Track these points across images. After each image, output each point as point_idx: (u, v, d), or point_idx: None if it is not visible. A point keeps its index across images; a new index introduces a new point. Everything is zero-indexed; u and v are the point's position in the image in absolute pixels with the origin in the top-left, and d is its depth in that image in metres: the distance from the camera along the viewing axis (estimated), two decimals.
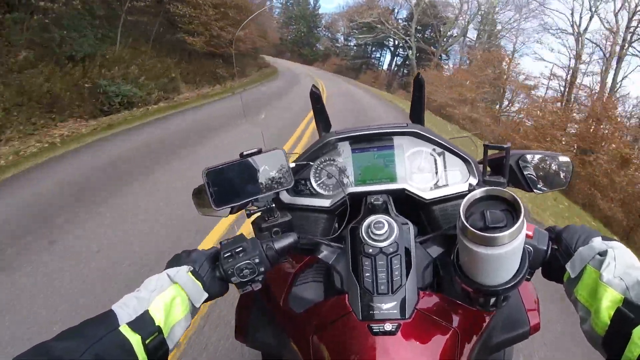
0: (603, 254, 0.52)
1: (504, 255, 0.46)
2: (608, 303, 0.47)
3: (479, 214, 0.48)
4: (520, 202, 0.47)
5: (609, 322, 0.46)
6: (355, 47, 38.78)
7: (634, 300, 0.45)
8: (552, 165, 0.93)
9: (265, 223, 0.67)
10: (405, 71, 33.16)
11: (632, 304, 0.45)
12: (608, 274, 0.49)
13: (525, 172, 0.85)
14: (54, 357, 0.43)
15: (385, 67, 37.58)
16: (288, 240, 0.65)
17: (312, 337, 0.62)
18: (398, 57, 35.74)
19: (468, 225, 0.46)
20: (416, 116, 0.88)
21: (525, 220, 0.47)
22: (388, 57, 37.75)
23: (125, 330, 0.49)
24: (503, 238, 0.45)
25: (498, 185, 0.67)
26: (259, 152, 0.68)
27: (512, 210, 0.48)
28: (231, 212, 0.86)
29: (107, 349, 0.46)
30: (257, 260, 0.61)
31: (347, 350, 0.58)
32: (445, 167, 0.83)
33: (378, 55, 38.68)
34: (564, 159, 0.91)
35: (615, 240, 0.56)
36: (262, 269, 0.62)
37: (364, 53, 38.05)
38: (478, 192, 0.49)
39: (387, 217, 0.67)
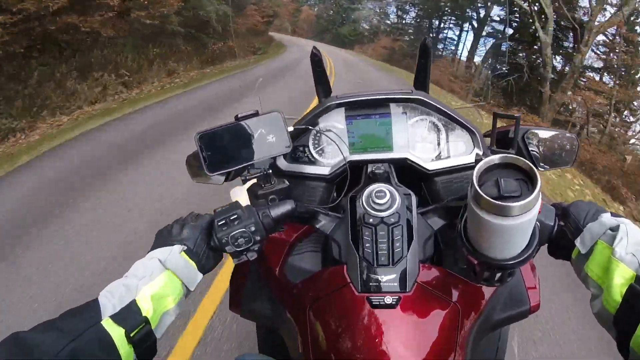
0: (615, 229, 0.51)
1: (517, 227, 0.44)
2: (621, 280, 0.46)
3: (492, 182, 0.45)
4: (537, 172, 0.44)
5: (620, 300, 0.45)
6: (414, 23, 25.62)
7: None
8: (558, 143, 0.91)
9: (261, 190, 0.64)
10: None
11: None
12: (621, 249, 0.47)
13: (530, 148, 0.82)
14: (30, 351, 0.40)
15: (463, 54, 21.23)
16: (285, 207, 0.62)
17: (308, 309, 0.60)
18: (488, 39, 18.43)
19: (482, 193, 0.43)
20: (421, 83, 0.84)
21: (540, 192, 0.44)
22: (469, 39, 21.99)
23: (107, 324, 0.46)
24: (518, 208, 0.42)
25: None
26: (256, 114, 0.64)
27: (528, 181, 0.45)
28: (226, 180, 0.83)
29: (86, 345, 0.43)
30: (252, 229, 0.58)
31: (345, 322, 0.56)
32: (449, 137, 0.80)
33: (451, 35, 22.27)
34: (570, 136, 0.89)
35: (623, 216, 0.54)
36: (258, 238, 0.59)
37: (428, 31, 23.37)
38: (494, 158, 0.46)
39: (389, 187, 0.64)
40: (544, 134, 0.86)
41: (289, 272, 0.71)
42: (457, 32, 22.21)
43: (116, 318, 0.47)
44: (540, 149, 0.86)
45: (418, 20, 25.59)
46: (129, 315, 0.48)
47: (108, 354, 0.45)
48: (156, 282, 0.52)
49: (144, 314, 0.50)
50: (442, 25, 22.81)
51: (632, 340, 0.43)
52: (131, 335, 0.48)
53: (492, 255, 0.49)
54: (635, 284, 0.45)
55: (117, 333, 0.46)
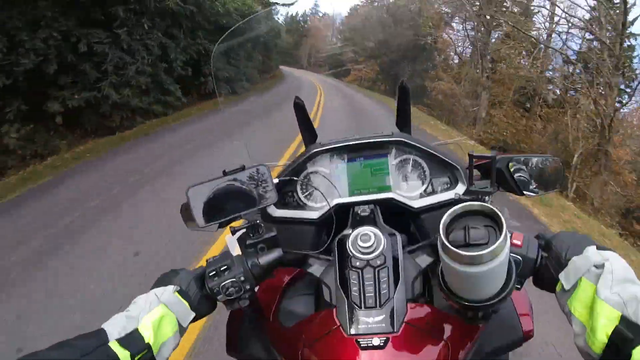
0: (599, 266, 0.50)
1: (488, 272, 0.45)
2: (605, 321, 0.45)
3: (460, 230, 0.47)
4: (501, 216, 0.45)
5: (606, 341, 0.44)
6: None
7: (632, 319, 0.43)
8: (543, 167, 0.92)
9: (250, 239, 0.67)
10: None
11: (630, 323, 0.43)
12: (605, 289, 0.46)
13: (515, 175, 0.84)
14: None
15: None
16: (273, 255, 0.65)
17: (300, 353, 0.61)
18: None
19: (448, 245, 0.45)
20: (402, 123, 0.88)
21: (508, 235, 0.45)
22: None
23: (114, 345, 0.50)
24: (485, 256, 0.43)
25: (485, 194, 0.66)
26: (242, 169, 0.68)
27: (496, 226, 0.46)
28: (220, 227, 0.86)
29: None
30: (242, 278, 0.61)
31: None
32: (433, 174, 0.82)
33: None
34: (553, 161, 0.90)
35: (609, 249, 0.53)
36: (248, 287, 0.61)
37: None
38: (457, 209, 0.48)
39: (373, 229, 0.66)
40: (527, 160, 0.88)
41: (283, 316, 0.72)
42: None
43: (122, 342, 0.51)
44: (527, 175, 0.87)
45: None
46: (132, 340, 0.52)
47: None
48: (154, 312, 0.56)
49: (146, 341, 0.53)
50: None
51: None
52: (136, 359, 0.51)
53: (469, 297, 0.49)
54: (620, 326, 0.43)
55: (123, 354, 0.50)
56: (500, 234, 0.44)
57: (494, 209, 0.46)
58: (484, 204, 0.47)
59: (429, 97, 17.94)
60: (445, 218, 0.47)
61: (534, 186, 0.87)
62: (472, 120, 15.98)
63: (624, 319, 0.43)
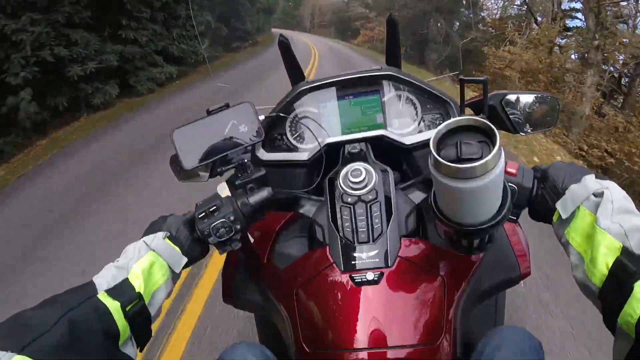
0: (598, 194, 0.47)
1: (482, 188, 0.43)
2: (605, 251, 0.43)
3: (452, 146, 0.44)
4: (495, 129, 0.43)
5: (606, 273, 0.42)
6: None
7: (634, 250, 0.41)
8: (539, 105, 0.90)
9: (238, 180, 0.65)
10: None
11: (632, 254, 0.41)
12: (605, 218, 0.44)
13: (510, 114, 0.82)
14: (28, 324, 0.42)
15: None
16: (263, 194, 0.63)
17: (295, 293, 0.61)
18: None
19: (439, 158, 0.42)
20: (392, 59, 0.84)
21: (502, 151, 0.43)
22: None
23: (103, 297, 0.49)
24: (478, 169, 0.41)
25: None
26: (226, 107, 0.64)
27: (489, 141, 0.44)
28: (211, 176, 0.83)
29: (83, 316, 0.45)
30: (232, 218, 0.59)
31: (331, 303, 0.57)
32: (425, 110, 0.79)
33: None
34: (549, 97, 0.88)
35: (608, 179, 0.51)
36: (239, 227, 0.60)
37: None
38: (451, 122, 0.45)
39: (364, 164, 0.64)
40: (523, 97, 0.85)
41: (277, 259, 0.72)
42: None
43: (111, 292, 0.50)
44: (522, 113, 0.85)
45: None
46: (123, 290, 0.51)
47: (106, 324, 0.47)
48: (144, 260, 0.55)
49: (137, 290, 0.52)
50: None
51: (620, 317, 0.40)
52: (127, 309, 0.50)
53: (464, 221, 0.48)
54: (621, 257, 0.41)
55: (113, 305, 0.49)
56: (494, 149, 0.42)
57: (487, 122, 0.43)
58: (476, 117, 0.44)
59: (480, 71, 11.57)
60: (436, 132, 0.45)
61: (527, 126, 0.85)
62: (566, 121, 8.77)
63: (625, 250, 0.42)
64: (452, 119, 0.45)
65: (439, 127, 0.45)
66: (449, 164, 0.42)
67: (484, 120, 0.43)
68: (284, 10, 47.39)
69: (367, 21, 24.56)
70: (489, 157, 0.41)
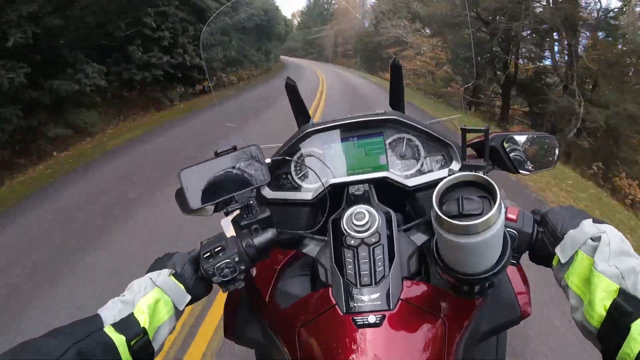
0: (596, 239, 0.49)
1: (483, 243, 0.44)
2: (603, 294, 0.44)
3: (454, 201, 0.46)
4: (495, 186, 0.44)
5: (604, 315, 0.44)
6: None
7: (630, 291, 0.42)
8: (539, 145, 0.92)
9: (244, 220, 0.66)
10: None
11: (628, 295, 0.42)
12: (602, 261, 0.46)
13: (511, 154, 0.83)
14: (37, 353, 0.43)
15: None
16: (267, 235, 0.64)
17: (297, 333, 0.61)
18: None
19: (441, 215, 0.44)
20: (395, 102, 0.87)
21: (503, 206, 0.45)
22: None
23: (109, 330, 0.50)
24: (479, 225, 0.43)
25: (479, 169, 0.66)
26: (234, 149, 0.67)
27: (489, 196, 0.46)
28: (215, 210, 0.85)
29: (90, 348, 0.46)
30: (236, 259, 0.60)
31: (332, 344, 0.57)
32: (427, 153, 0.81)
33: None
34: (549, 138, 0.90)
35: (605, 222, 0.52)
36: (243, 267, 0.61)
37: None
38: (452, 178, 0.47)
39: (367, 207, 0.65)
40: (522, 138, 0.87)
41: (279, 298, 0.72)
42: None
43: (117, 327, 0.51)
44: (523, 153, 0.87)
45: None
46: (128, 325, 0.52)
47: (111, 357, 0.48)
48: (150, 296, 0.56)
49: (142, 325, 0.53)
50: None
51: (619, 356, 0.41)
52: (131, 343, 0.51)
53: (464, 271, 0.49)
54: (618, 299, 0.43)
55: (118, 339, 0.50)
56: (495, 204, 0.43)
57: (488, 179, 0.45)
58: (477, 174, 0.46)
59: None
60: (438, 188, 0.46)
61: (528, 165, 0.87)
62: None
63: (622, 292, 0.43)
64: (454, 175, 0.47)
65: (442, 182, 0.47)
66: (451, 220, 0.43)
67: (486, 177, 0.45)
68: (304, 39, 45.40)
69: (402, 48, 17.42)
70: (490, 213, 0.42)
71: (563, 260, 0.51)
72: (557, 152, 0.89)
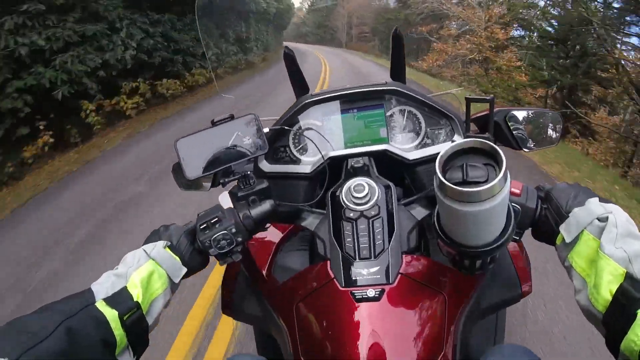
0: (603, 219, 0.47)
1: (486, 212, 0.43)
2: (609, 277, 0.42)
3: (457, 168, 0.44)
4: (501, 153, 0.42)
5: (610, 299, 0.42)
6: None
7: (637, 276, 0.41)
8: (543, 122, 0.90)
9: (241, 192, 0.65)
10: None
11: (635, 280, 0.41)
12: (609, 243, 0.44)
13: (513, 130, 0.82)
14: (27, 331, 0.42)
15: None
16: (265, 207, 0.63)
17: (295, 307, 0.60)
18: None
19: (445, 181, 0.42)
20: (396, 74, 0.84)
21: (509, 175, 0.43)
22: None
23: (101, 305, 0.49)
24: (484, 192, 0.41)
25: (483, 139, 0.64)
26: (231, 118, 0.65)
27: (494, 164, 0.44)
28: (212, 185, 0.83)
29: (81, 324, 0.45)
30: (233, 230, 0.59)
31: (330, 318, 0.57)
32: (429, 125, 0.79)
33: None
34: (553, 115, 0.88)
35: (611, 202, 0.50)
36: (240, 239, 0.59)
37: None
38: (457, 144, 0.45)
39: (367, 180, 0.64)
40: (525, 113, 0.86)
41: (277, 272, 0.71)
42: None
43: (109, 301, 0.49)
44: (525, 130, 0.85)
45: None
46: (121, 299, 0.50)
47: (103, 333, 0.47)
48: (143, 269, 0.55)
49: (135, 299, 0.51)
50: None
51: (623, 343, 0.40)
52: (124, 318, 0.49)
53: (466, 243, 0.48)
54: (625, 284, 0.41)
55: (110, 314, 0.48)
56: (500, 172, 0.42)
57: (493, 145, 0.43)
58: (483, 140, 0.44)
59: None
60: (442, 155, 0.44)
61: (531, 142, 0.85)
62: None
63: (629, 276, 0.41)
64: (458, 141, 0.45)
65: (445, 149, 0.45)
66: (455, 187, 0.41)
67: (491, 144, 0.43)
68: (315, 22, 41.94)
69: (439, 25, 11.92)
70: (495, 181, 0.40)
71: (568, 240, 0.50)
72: (560, 128, 0.88)
